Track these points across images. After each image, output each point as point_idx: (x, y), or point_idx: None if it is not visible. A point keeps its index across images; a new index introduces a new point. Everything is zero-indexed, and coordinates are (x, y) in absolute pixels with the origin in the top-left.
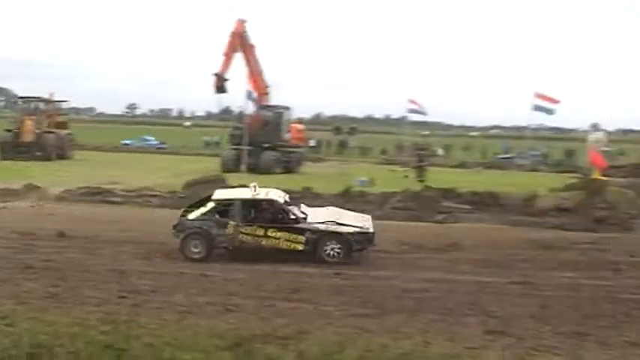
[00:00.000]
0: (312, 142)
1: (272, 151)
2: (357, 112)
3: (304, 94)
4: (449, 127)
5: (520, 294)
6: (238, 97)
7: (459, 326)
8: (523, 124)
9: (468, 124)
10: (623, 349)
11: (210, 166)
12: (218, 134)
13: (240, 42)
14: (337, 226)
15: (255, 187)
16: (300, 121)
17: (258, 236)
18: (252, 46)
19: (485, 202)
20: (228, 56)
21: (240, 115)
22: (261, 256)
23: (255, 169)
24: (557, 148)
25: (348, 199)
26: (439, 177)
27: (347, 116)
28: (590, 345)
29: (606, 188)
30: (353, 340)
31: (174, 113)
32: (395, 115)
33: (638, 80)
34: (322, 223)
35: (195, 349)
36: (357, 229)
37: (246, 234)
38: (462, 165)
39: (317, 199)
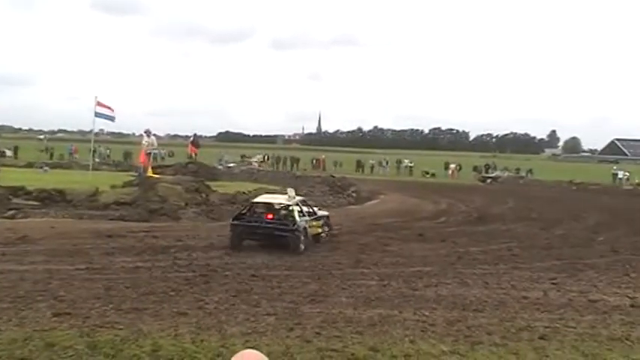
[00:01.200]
0: None
1: None
2: None
3: None
4: (18, 130)
5: (86, 278)
6: None
7: (29, 311)
8: (87, 128)
9: (36, 127)
10: (173, 318)
11: None
12: None
13: None
14: (324, 211)
15: (292, 191)
16: None
17: (312, 227)
18: None
19: (53, 199)
20: None
21: None
22: None
23: None
24: (117, 150)
25: None
26: (9, 176)
27: None
28: (147, 318)
29: (158, 184)
30: None
31: None
32: None
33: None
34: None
35: None
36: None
37: (311, 227)
38: (30, 165)
39: None
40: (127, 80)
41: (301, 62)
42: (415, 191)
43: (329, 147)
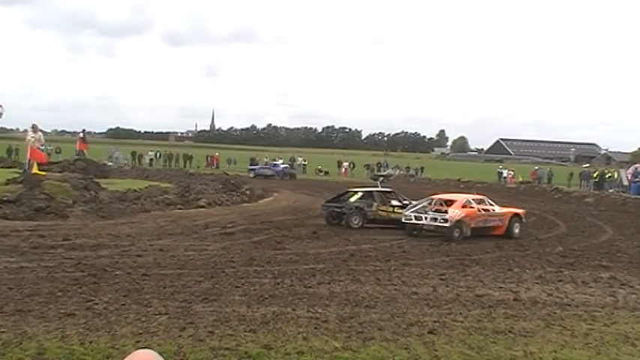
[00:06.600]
0: None
1: None
2: None
3: None
4: None
5: None
6: None
7: None
8: None
9: None
10: (60, 319)
11: None
12: None
13: None
14: None
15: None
16: None
17: (387, 212)
18: None
19: None
20: None
21: None
22: None
23: None
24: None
25: None
26: None
27: None
28: (32, 320)
29: (44, 181)
30: None
31: None
32: None
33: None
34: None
35: None
36: None
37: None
38: None
39: None
40: (10, 74)
41: (196, 58)
42: (309, 189)
43: (222, 144)
